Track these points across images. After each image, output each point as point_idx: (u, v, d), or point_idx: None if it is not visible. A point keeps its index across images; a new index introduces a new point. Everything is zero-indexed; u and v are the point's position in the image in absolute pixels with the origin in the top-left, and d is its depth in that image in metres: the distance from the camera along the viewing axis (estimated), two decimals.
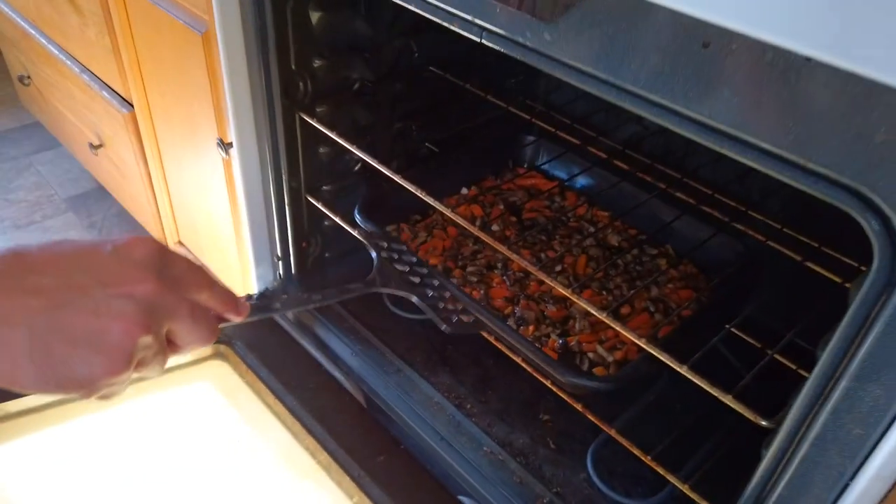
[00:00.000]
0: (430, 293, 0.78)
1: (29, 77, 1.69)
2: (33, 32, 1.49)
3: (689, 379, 0.59)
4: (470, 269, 0.94)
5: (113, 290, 0.41)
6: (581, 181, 1.06)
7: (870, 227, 0.37)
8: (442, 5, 0.55)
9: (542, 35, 0.48)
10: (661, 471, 0.63)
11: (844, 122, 0.35)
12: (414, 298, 0.77)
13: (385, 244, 0.81)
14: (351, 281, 1.00)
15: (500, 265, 0.95)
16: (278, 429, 0.82)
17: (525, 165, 1.12)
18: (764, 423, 0.51)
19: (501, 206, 1.04)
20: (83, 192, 1.80)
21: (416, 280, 0.79)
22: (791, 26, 0.32)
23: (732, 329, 0.71)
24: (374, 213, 0.91)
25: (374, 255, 0.79)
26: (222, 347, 0.90)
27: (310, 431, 0.80)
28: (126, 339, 0.41)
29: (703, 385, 0.56)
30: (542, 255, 0.96)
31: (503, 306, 0.90)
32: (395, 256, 0.81)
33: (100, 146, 1.45)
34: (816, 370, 0.44)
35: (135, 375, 0.43)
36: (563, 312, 0.89)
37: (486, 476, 0.79)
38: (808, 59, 0.32)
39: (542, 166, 1.10)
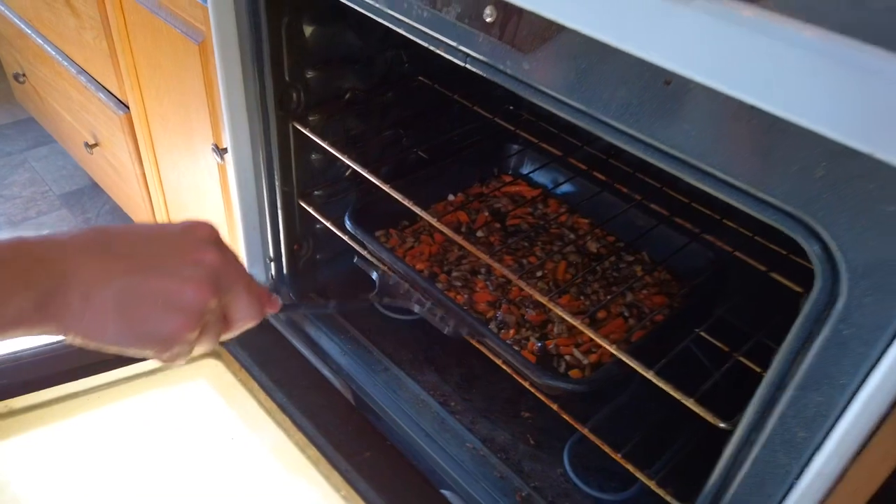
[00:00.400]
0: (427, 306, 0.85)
1: (24, 75, 1.71)
2: (30, 32, 1.50)
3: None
4: (455, 274, 0.98)
5: (185, 258, 0.47)
6: (563, 189, 1.10)
7: (812, 251, 0.41)
8: (429, 31, 0.58)
9: (521, 64, 0.51)
10: (629, 467, 0.67)
11: (789, 159, 0.39)
12: (416, 308, 0.83)
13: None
14: (343, 283, 1.05)
15: (483, 270, 0.99)
16: (270, 425, 0.86)
17: (510, 173, 1.16)
18: (722, 424, 0.55)
19: (487, 213, 1.07)
20: (77, 189, 1.82)
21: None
22: (733, 76, 0.35)
23: (702, 333, 0.76)
24: (363, 219, 0.94)
25: (374, 275, 0.85)
26: (216, 346, 0.93)
27: (300, 428, 0.84)
28: (197, 299, 0.46)
29: (667, 389, 0.60)
30: (524, 261, 1.00)
31: (486, 310, 0.93)
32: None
33: (95, 145, 1.47)
34: (767, 378, 0.48)
35: (194, 345, 0.49)
36: (542, 316, 0.93)
37: (469, 471, 0.83)
38: (752, 108, 0.36)
39: (527, 174, 1.14)
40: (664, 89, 0.43)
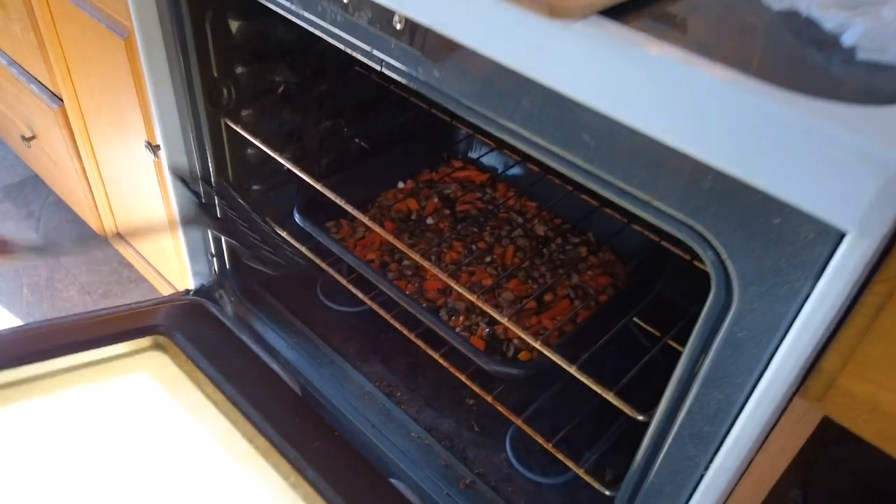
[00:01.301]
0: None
1: None
2: None
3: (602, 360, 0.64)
4: (405, 262, 0.98)
5: None
6: (512, 172, 1.10)
7: (706, 258, 0.43)
8: (345, 35, 0.58)
9: (432, 71, 0.51)
10: (560, 457, 0.69)
11: (678, 172, 0.40)
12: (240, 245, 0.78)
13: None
14: (287, 278, 1.04)
15: (433, 258, 0.99)
16: (217, 416, 0.86)
17: (460, 157, 1.15)
18: (640, 417, 0.57)
19: (436, 200, 1.07)
20: (20, 181, 1.77)
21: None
22: (607, 98, 0.36)
23: (636, 319, 0.78)
24: (313, 212, 0.93)
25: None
26: (161, 339, 0.93)
27: (248, 418, 0.84)
28: None
29: (588, 383, 0.61)
30: (474, 247, 1.00)
31: (436, 298, 0.94)
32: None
33: (32, 138, 1.43)
34: (675, 375, 0.50)
35: None
36: (491, 301, 0.94)
37: (414, 460, 0.85)
38: (632, 130, 0.37)
39: (476, 159, 1.14)
40: (563, 99, 0.43)
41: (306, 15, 0.60)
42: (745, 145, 0.32)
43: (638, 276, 0.92)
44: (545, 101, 0.44)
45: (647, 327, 0.78)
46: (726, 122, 0.32)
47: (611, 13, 0.36)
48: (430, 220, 1.04)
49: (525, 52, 0.39)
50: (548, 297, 0.93)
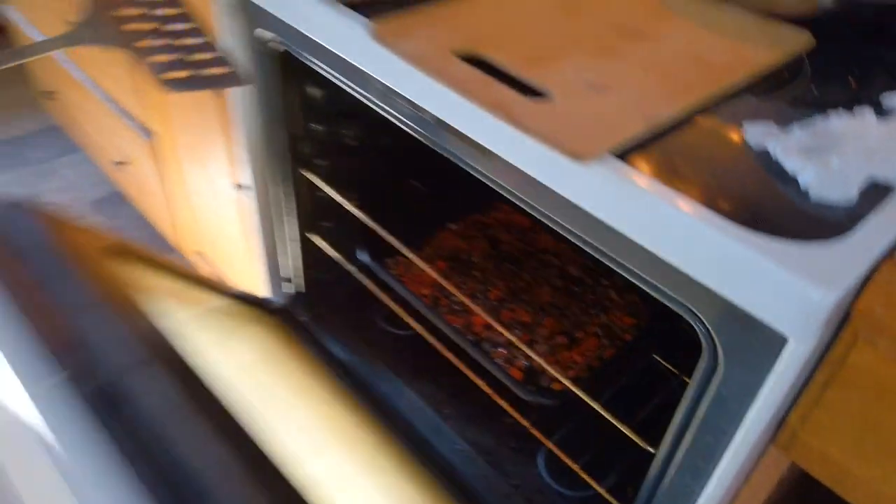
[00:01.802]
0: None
1: (53, 93, 1.83)
2: (61, 59, 1.62)
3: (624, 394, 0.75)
4: (454, 298, 1.11)
5: None
6: None
7: (698, 329, 0.53)
8: (412, 125, 0.70)
9: (483, 162, 0.63)
10: (584, 476, 0.80)
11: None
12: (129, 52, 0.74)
13: None
14: (353, 300, 1.17)
15: (479, 295, 1.11)
16: (314, 385, 0.98)
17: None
18: (651, 449, 0.68)
19: (483, 241, 1.20)
20: (106, 196, 1.94)
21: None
22: (617, 218, 0.47)
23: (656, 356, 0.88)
24: (374, 249, 1.07)
25: None
26: (260, 312, 1.08)
27: (348, 392, 0.98)
28: None
29: (608, 417, 0.72)
30: (514, 286, 1.12)
31: (481, 331, 1.06)
32: None
33: (122, 163, 1.60)
34: (675, 420, 0.61)
35: None
36: (527, 337, 1.05)
37: (459, 470, 0.97)
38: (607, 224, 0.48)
39: None
40: None
41: (381, 104, 0.73)
42: (713, 267, 0.43)
43: (657, 319, 1.02)
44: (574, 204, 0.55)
45: (667, 364, 0.88)
46: (698, 248, 0.43)
47: (620, 154, 0.48)
48: (476, 260, 1.16)
49: (554, 176, 0.51)
50: (578, 335, 1.05)
